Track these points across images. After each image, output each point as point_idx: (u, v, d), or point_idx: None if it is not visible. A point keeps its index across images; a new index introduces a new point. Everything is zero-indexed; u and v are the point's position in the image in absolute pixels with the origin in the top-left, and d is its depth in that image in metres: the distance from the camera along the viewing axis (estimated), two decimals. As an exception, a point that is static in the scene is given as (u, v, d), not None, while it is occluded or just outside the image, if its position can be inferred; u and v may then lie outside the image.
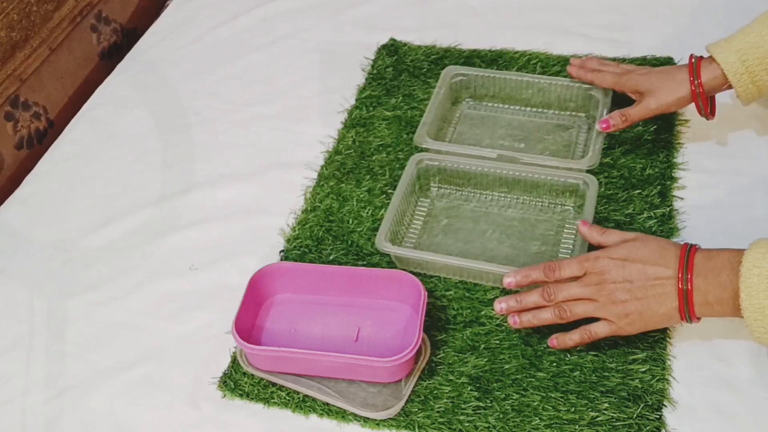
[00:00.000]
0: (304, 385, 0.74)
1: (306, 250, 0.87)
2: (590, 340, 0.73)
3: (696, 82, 0.84)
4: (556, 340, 0.74)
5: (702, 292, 0.67)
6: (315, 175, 0.96)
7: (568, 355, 0.75)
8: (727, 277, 0.66)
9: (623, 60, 1.03)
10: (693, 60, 0.85)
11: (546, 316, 0.73)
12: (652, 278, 0.69)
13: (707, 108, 0.86)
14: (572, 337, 0.73)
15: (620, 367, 0.73)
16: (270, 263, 0.81)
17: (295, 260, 0.86)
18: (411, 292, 0.77)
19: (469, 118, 0.99)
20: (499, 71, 1.00)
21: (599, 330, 0.72)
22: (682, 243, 0.71)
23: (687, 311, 0.68)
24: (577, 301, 0.72)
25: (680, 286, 0.68)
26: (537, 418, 0.71)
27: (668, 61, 1.02)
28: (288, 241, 0.89)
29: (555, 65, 1.04)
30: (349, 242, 0.87)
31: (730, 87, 0.83)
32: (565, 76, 0.98)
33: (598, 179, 0.88)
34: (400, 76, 1.07)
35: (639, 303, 0.70)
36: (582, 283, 0.72)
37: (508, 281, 0.75)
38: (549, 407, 0.72)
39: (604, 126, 0.88)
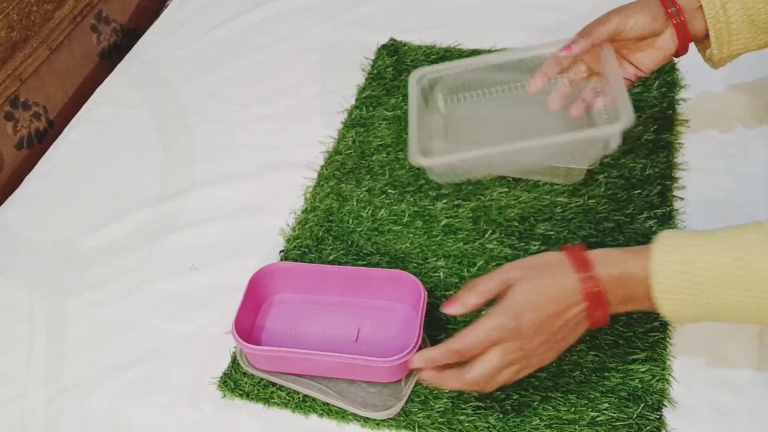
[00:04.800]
0: (304, 385, 0.74)
1: (306, 250, 0.87)
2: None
3: (668, 1, 0.78)
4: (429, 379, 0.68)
5: (611, 297, 0.63)
6: (315, 175, 0.96)
7: (568, 355, 0.75)
8: (632, 261, 0.63)
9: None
10: None
11: (454, 387, 0.68)
12: (567, 320, 0.64)
13: (686, 31, 0.79)
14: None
15: (620, 367, 0.73)
16: (270, 263, 0.81)
17: (295, 260, 0.86)
18: (411, 292, 0.77)
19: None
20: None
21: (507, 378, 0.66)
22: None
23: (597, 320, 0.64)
24: (499, 373, 0.65)
25: (593, 315, 0.64)
26: (537, 418, 0.71)
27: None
28: (288, 241, 0.89)
29: (555, 65, 1.04)
30: (349, 242, 0.87)
31: (702, 13, 0.78)
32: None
33: (597, 179, 0.88)
34: (400, 76, 1.07)
35: (558, 347, 0.65)
36: (500, 355, 0.64)
37: (410, 362, 0.69)
38: (549, 407, 0.72)
39: (567, 50, 0.81)
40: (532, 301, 0.63)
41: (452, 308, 0.66)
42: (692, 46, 0.82)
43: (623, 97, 0.77)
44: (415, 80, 0.88)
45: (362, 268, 0.80)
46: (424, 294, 0.75)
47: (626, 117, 0.75)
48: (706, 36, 0.80)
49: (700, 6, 0.78)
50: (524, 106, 0.88)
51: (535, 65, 0.84)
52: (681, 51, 0.81)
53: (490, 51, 1.08)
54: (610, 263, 0.63)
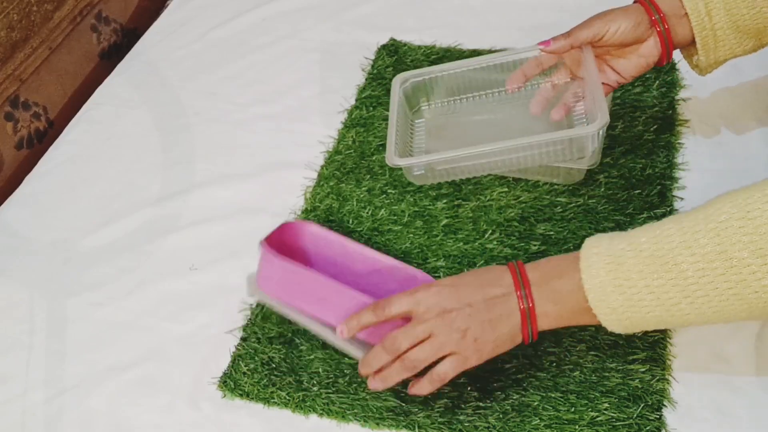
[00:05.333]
0: (316, 328, 0.72)
1: (306, 250, 0.87)
2: (442, 383, 0.67)
3: (652, 9, 0.77)
4: (413, 389, 0.68)
5: (543, 300, 0.64)
6: (315, 175, 0.96)
7: (568, 355, 0.75)
8: (565, 271, 0.64)
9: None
10: None
11: (394, 377, 0.67)
12: (490, 297, 0.65)
13: (670, 39, 0.78)
14: (423, 386, 0.67)
15: (620, 367, 0.73)
16: (293, 221, 0.80)
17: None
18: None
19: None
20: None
21: (446, 369, 0.66)
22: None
23: (530, 328, 0.65)
24: (420, 345, 0.66)
25: (521, 305, 0.64)
26: (537, 418, 0.71)
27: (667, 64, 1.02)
28: (288, 241, 0.89)
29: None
30: (349, 242, 0.87)
31: (688, 20, 0.77)
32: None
33: (597, 179, 0.88)
34: (400, 76, 1.07)
35: (482, 327, 0.65)
36: (419, 320, 0.65)
37: (340, 331, 0.69)
38: (549, 407, 0.72)
39: (545, 44, 0.81)
40: (453, 277, 0.67)
41: (345, 325, 0.69)
42: (676, 52, 0.82)
43: (599, 99, 0.77)
44: (399, 84, 0.88)
45: (387, 261, 0.79)
46: None
47: (602, 119, 0.75)
48: (692, 42, 0.80)
49: (686, 13, 0.77)
50: (507, 109, 0.89)
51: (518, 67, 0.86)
52: (664, 59, 0.80)
53: (490, 51, 1.08)
54: (542, 264, 0.66)
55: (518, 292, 0.65)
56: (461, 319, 0.65)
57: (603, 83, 0.82)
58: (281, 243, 0.79)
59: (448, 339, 0.65)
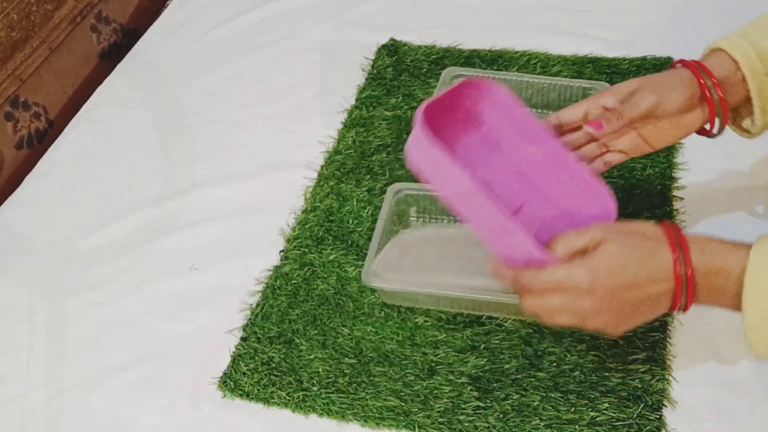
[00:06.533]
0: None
1: (306, 249, 0.87)
2: (544, 316, 0.65)
3: (704, 75, 0.68)
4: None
5: (699, 299, 0.62)
6: (315, 175, 0.96)
7: (568, 355, 0.75)
8: (731, 255, 0.60)
9: (623, 60, 1.03)
10: (691, 61, 0.70)
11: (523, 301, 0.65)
12: (645, 297, 0.61)
13: (724, 106, 0.69)
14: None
15: (620, 367, 0.73)
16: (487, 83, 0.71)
17: (295, 260, 0.86)
18: (598, 206, 0.69)
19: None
20: (498, 72, 0.99)
21: (561, 320, 0.64)
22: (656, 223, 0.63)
23: (685, 297, 0.61)
24: (559, 311, 0.63)
25: (677, 306, 0.62)
26: (537, 418, 0.71)
27: (668, 61, 1.02)
28: (288, 241, 0.89)
29: (555, 65, 1.04)
30: (349, 242, 0.87)
31: (744, 83, 0.68)
32: (565, 76, 0.98)
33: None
34: (400, 76, 1.07)
35: (631, 319, 0.63)
36: (562, 301, 0.63)
37: (491, 271, 0.67)
38: (549, 407, 0.72)
39: (597, 127, 0.72)
40: (617, 265, 0.60)
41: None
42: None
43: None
44: (392, 193, 0.85)
45: (569, 156, 0.70)
46: (614, 210, 0.68)
47: None
48: (739, 107, 0.71)
49: (743, 78, 0.68)
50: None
51: None
52: (711, 129, 0.71)
53: (490, 51, 1.08)
54: (708, 251, 0.60)
55: (676, 286, 0.61)
56: (605, 319, 0.62)
57: (619, 150, 0.73)
58: (452, 104, 0.70)
59: (576, 321, 0.63)
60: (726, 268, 0.60)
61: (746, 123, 0.73)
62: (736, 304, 0.61)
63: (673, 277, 0.61)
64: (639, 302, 0.62)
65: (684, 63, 0.71)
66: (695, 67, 0.69)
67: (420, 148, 0.66)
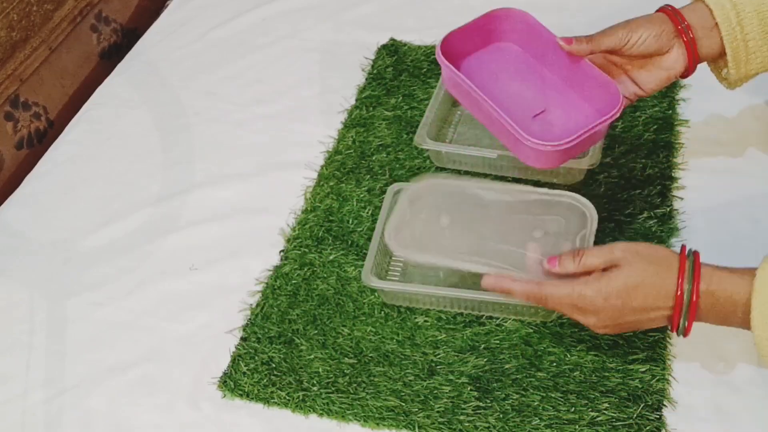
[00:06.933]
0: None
1: (306, 249, 0.87)
2: (542, 304, 0.69)
3: (678, 18, 0.75)
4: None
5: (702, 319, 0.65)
6: (315, 175, 0.96)
7: (568, 355, 0.75)
8: (737, 286, 0.62)
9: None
10: (668, 7, 0.77)
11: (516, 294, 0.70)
12: (648, 319, 0.66)
13: (695, 49, 0.75)
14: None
15: (620, 367, 0.73)
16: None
17: (295, 260, 0.86)
18: (607, 100, 0.76)
19: (469, 118, 0.99)
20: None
21: (563, 312, 0.69)
22: (677, 255, 0.65)
23: (684, 323, 0.64)
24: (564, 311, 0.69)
25: (675, 325, 0.65)
26: (537, 418, 0.71)
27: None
28: (288, 241, 0.89)
29: (555, 65, 1.04)
30: (349, 242, 0.87)
31: (718, 33, 0.75)
32: None
33: (597, 179, 0.88)
34: (400, 76, 1.07)
35: (626, 329, 0.68)
36: (571, 311, 0.68)
37: (486, 283, 0.71)
38: (549, 407, 0.72)
39: (566, 41, 0.78)
40: (627, 291, 0.64)
41: (553, 267, 0.69)
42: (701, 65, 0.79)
43: None
44: (392, 193, 0.85)
45: (583, 61, 0.79)
46: (620, 106, 0.74)
47: None
48: (720, 55, 0.77)
49: (716, 24, 0.74)
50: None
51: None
52: (690, 71, 0.78)
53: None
54: (716, 281, 0.63)
55: (675, 312, 0.64)
56: (604, 325, 0.67)
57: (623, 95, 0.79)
58: (478, 29, 0.82)
59: (578, 319, 0.68)
60: (731, 297, 0.63)
61: (724, 72, 0.79)
62: (746, 324, 0.63)
63: (674, 303, 0.64)
64: (640, 322, 0.66)
65: (660, 8, 0.78)
66: (669, 11, 0.76)
67: (444, 71, 0.80)
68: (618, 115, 0.74)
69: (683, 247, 0.66)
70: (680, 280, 0.63)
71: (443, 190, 0.82)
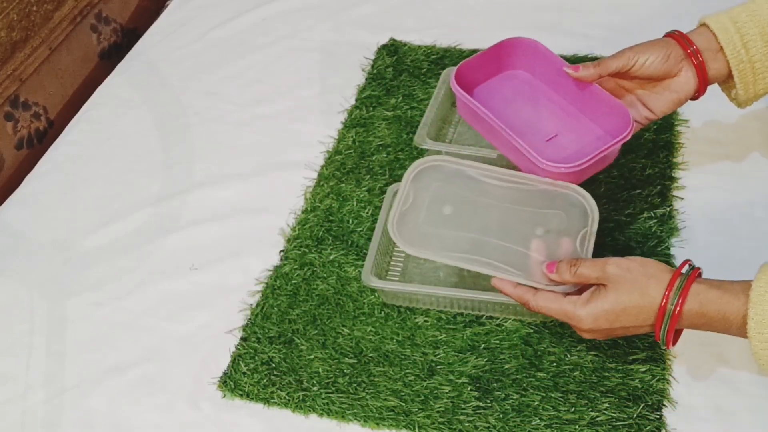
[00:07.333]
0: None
1: (306, 249, 0.87)
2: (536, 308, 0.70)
3: (686, 42, 0.76)
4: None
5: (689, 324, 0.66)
6: (315, 175, 0.96)
7: (568, 355, 0.75)
8: (729, 319, 0.64)
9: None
10: (676, 32, 0.78)
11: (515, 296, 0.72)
12: (636, 331, 0.68)
13: (704, 71, 0.76)
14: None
15: (620, 367, 0.73)
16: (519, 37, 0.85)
17: (295, 260, 0.86)
18: (618, 123, 0.78)
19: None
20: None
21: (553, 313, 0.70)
22: (670, 274, 0.66)
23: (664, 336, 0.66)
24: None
25: (659, 337, 0.66)
26: (537, 418, 0.71)
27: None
28: (288, 241, 0.89)
29: (555, 65, 1.04)
30: (349, 242, 0.87)
31: (723, 56, 0.75)
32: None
33: (598, 179, 0.88)
34: (400, 76, 1.07)
35: (611, 336, 0.70)
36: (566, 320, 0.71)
37: (495, 283, 0.73)
38: (549, 407, 0.72)
39: (573, 68, 0.79)
40: (615, 314, 0.66)
41: (550, 273, 0.71)
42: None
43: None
44: (392, 193, 0.86)
45: (592, 86, 0.80)
46: (630, 127, 0.76)
47: None
48: (729, 77, 0.77)
49: (721, 48, 0.75)
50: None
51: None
52: (701, 93, 0.78)
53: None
54: (706, 302, 0.64)
55: (656, 326, 0.65)
56: (589, 335, 0.70)
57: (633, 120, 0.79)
58: (490, 58, 0.85)
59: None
60: (728, 317, 0.63)
61: (733, 93, 0.80)
62: (742, 335, 0.64)
63: (656, 317, 0.65)
64: (630, 332, 0.69)
65: (667, 33, 0.79)
66: (677, 36, 0.77)
67: (458, 100, 0.82)
68: (629, 137, 0.76)
69: (684, 263, 0.66)
70: (664, 302, 0.64)
71: (447, 171, 0.82)
